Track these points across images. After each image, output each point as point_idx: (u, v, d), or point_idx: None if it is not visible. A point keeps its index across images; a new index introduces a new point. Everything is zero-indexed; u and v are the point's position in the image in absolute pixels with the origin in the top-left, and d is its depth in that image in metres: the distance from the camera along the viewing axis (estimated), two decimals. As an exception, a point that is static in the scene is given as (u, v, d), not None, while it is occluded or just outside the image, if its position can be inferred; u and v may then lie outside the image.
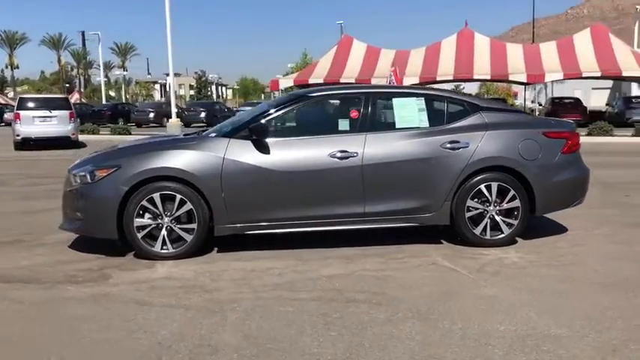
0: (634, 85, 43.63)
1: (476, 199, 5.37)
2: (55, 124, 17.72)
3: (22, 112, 17.60)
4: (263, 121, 5.30)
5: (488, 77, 26.09)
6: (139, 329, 3.61)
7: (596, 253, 5.29)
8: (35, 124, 17.57)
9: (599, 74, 25.21)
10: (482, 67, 25.93)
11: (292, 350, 3.29)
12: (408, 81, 25.40)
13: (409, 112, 5.47)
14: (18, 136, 17.52)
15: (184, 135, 6.37)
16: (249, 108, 34.20)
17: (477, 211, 5.38)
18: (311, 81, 27.10)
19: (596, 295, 4.13)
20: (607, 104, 42.49)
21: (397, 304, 3.99)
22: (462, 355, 3.19)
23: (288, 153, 5.21)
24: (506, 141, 5.40)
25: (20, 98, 19.03)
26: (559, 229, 6.12)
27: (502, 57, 26.39)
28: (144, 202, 5.04)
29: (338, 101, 5.89)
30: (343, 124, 5.45)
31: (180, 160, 5.10)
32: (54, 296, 4.24)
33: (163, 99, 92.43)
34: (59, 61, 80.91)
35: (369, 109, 5.42)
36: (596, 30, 26.80)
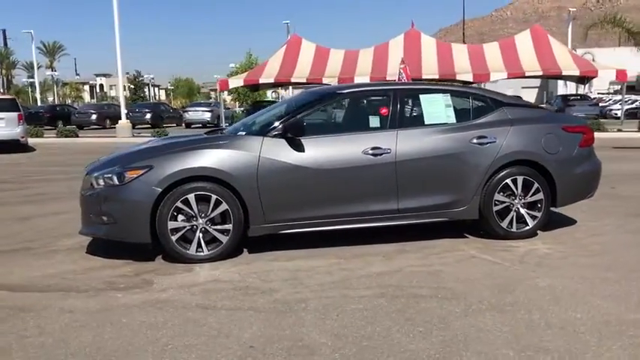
0: (560, 83, 45.89)
1: (501, 193, 5.49)
2: (3, 126, 16.76)
3: (-34, 115, 16.59)
4: (297, 118, 5.23)
5: (437, 77, 26.62)
6: (218, 334, 3.48)
7: (618, 242, 5.50)
8: (-20, 127, 16.59)
9: (540, 73, 26.28)
10: (430, 67, 26.47)
11: (389, 347, 3.26)
12: (358, 80, 25.66)
13: (436, 108, 5.53)
14: (-38, 140, 16.51)
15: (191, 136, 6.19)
16: (200, 108, 33.73)
17: (504, 205, 5.50)
18: (262, 81, 26.86)
19: (644, 281, 4.31)
20: (547, 102, 44.61)
21: (464, 297, 4.02)
22: (559, 343, 3.26)
23: (322, 150, 5.16)
24: (531, 136, 5.55)
25: (-35, 101, 17.91)
26: (568, 220, 6.34)
27: (448, 57, 27.04)
28: (178, 204, 4.87)
29: (367, 98, 5.88)
30: (374, 121, 5.45)
31: (215, 159, 4.95)
32: (106, 304, 4.01)
33: (94, 100, 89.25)
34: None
35: (398, 106, 5.44)
36: (535, 31, 27.90)
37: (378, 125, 5.42)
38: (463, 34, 59.17)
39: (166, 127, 28.46)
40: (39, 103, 49.62)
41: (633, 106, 35.32)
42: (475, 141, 5.42)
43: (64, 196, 8.45)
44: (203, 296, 4.13)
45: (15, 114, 17.04)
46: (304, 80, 26.60)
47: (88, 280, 4.55)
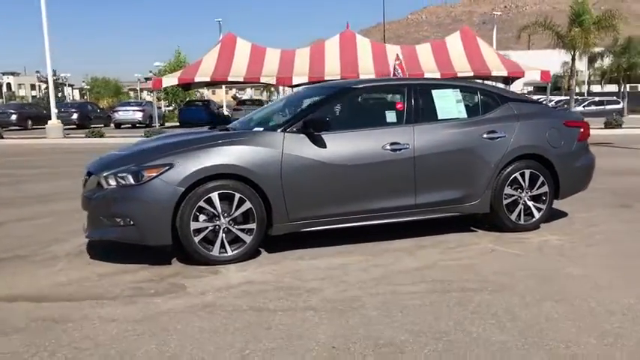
0: (488, 83, 47.77)
1: (510, 187, 5.62)
2: None
3: None
4: (318, 113, 5.11)
5: (373, 76, 27.04)
6: (290, 335, 3.33)
7: (619, 231, 5.76)
8: None
9: (471, 74, 27.17)
10: (366, 67, 26.81)
11: (473, 341, 3.22)
12: (296, 80, 25.63)
13: (448, 103, 5.58)
14: None
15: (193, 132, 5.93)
16: (131, 108, 32.44)
17: (512, 198, 5.63)
18: (197, 79, 26.30)
19: (665, 267, 4.53)
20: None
21: (512, 289, 4.06)
22: (629, 329, 3.35)
23: (343, 146, 5.08)
24: (537, 130, 5.71)
25: None
26: (559, 213, 6.54)
27: (383, 57, 27.47)
28: (201, 203, 4.64)
29: (381, 93, 5.84)
30: (390, 116, 5.42)
31: (237, 156, 4.75)
32: (148, 311, 3.75)
33: (2, 101, 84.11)
34: None
35: (413, 101, 5.44)
36: (464, 33, 28.95)
37: (395, 120, 5.40)
38: (384, 36, 60.40)
39: (94, 127, 27.19)
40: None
41: (550, 105, 37.27)
42: (486, 136, 5.52)
43: (23, 201, 7.89)
44: (250, 298, 3.95)
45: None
46: (241, 79, 26.33)
47: (111, 287, 4.24)
